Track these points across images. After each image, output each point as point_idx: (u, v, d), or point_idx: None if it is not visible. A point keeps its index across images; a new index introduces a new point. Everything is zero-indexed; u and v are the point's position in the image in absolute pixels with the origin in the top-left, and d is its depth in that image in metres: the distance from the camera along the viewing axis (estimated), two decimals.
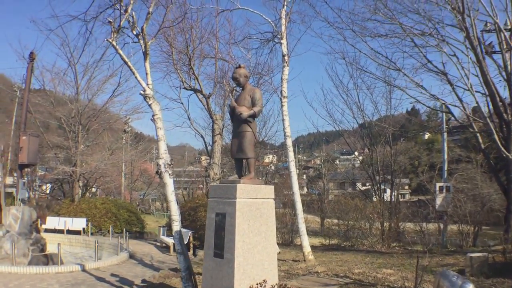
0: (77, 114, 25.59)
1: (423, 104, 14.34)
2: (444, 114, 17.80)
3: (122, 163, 38.16)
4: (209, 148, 12.68)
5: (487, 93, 12.99)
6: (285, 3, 13.03)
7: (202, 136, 12.98)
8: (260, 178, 16.56)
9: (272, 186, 6.73)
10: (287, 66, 12.74)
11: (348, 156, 61.80)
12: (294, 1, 13.29)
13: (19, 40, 73.32)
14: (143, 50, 8.01)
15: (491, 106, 12.58)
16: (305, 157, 76.32)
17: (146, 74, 8.13)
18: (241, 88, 6.99)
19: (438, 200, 18.17)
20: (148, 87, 8.14)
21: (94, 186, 31.85)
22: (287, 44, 12.95)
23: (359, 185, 36.91)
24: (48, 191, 34.43)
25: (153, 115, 8.17)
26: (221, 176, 11.83)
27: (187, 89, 11.27)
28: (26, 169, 20.86)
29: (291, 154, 12.42)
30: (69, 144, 25.39)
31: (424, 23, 13.36)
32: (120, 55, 7.98)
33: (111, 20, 7.81)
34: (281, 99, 12.66)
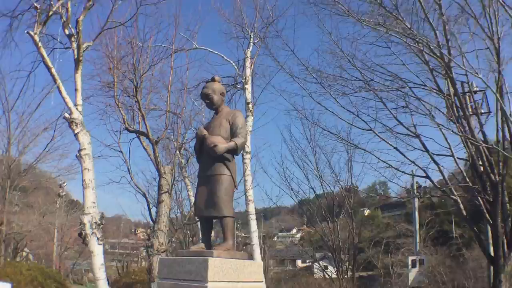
0: (7, 167, 22.82)
1: (397, 169, 12.79)
2: (414, 180, 16.67)
3: (55, 228, 35.63)
4: (153, 210, 10.24)
5: (470, 154, 11.79)
6: (251, 43, 11.39)
7: (144, 195, 10.29)
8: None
9: (261, 263, 4.54)
10: (252, 115, 10.90)
11: (287, 233, 60.29)
12: (260, 44, 11.58)
13: None
14: (76, 56, 5.72)
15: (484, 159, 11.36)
16: (242, 234, 73.68)
17: (76, 90, 5.83)
18: (213, 112, 4.94)
19: (411, 275, 16.41)
20: (77, 108, 5.74)
21: (25, 250, 29.82)
22: (252, 89, 11.20)
23: (299, 262, 35.73)
24: None
25: (79, 150, 5.72)
26: (168, 248, 9.18)
27: (130, 131, 8.83)
28: None
29: (253, 223, 10.34)
30: None
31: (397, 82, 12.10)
32: (42, 57, 5.61)
33: (37, 6, 5.51)
34: (243, 155, 10.65)
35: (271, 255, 46.73)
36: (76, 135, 5.82)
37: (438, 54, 10.46)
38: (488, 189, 11.22)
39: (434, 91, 11.60)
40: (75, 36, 5.79)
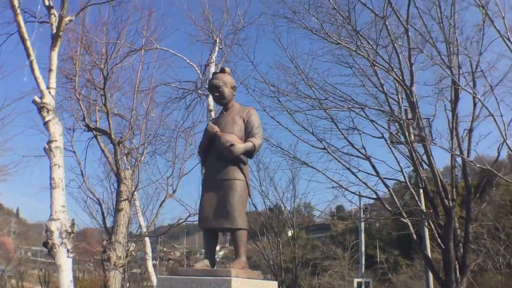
0: None
1: (346, 189, 12.75)
2: (361, 202, 16.83)
3: None
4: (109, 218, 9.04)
5: (421, 178, 12.07)
6: (216, 48, 10.82)
7: (99, 202, 9.11)
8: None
9: (276, 283, 4.05)
10: None
11: None
12: (227, 50, 11.03)
13: None
14: (55, 30, 4.77)
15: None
16: (165, 249, 71.30)
17: (50, 70, 4.85)
18: (221, 108, 4.38)
19: None
20: (49, 92, 4.76)
21: None
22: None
23: None
24: None
25: (49, 142, 4.73)
26: (127, 262, 8.09)
27: (91, 129, 7.63)
28: None
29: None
30: None
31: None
32: (19, 25, 4.65)
33: None
34: (202, 167, 9.90)
35: None
36: (46, 123, 4.85)
37: (401, 78, 10.55)
38: (440, 213, 11.48)
39: (389, 114, 11.83)
40: (55, 10, 4.83)
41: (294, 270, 18.12)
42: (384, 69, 10.54)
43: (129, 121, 9.18)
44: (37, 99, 4.86)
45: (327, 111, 11.85)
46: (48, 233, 4.64)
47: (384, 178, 12.53)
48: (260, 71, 10.93)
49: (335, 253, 31.15)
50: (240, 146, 3.87)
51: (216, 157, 3.96)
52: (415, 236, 13.03)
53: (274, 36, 11.52)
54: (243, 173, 3.96)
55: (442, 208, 11.70)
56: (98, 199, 9.11)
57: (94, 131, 7.70)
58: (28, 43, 4.84)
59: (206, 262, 3.88)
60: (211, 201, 3.88)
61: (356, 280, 18.31)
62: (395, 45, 10.22)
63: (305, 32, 11.21)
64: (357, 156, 12.28)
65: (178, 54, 10.61)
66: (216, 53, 10.83)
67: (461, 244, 10.75)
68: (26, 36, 4.86)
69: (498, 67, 8.64)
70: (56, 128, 4.92)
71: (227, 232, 3.98)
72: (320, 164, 11.74)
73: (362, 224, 19.84)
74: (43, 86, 4.92)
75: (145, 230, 8.20)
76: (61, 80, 8.22)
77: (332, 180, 11.60)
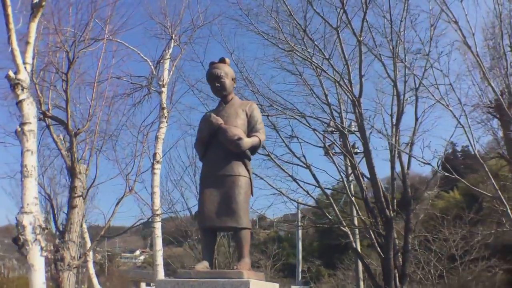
0: None
1: (288, 197, 12.82)
2: (299, 210, 17.03)
3: None
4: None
5: (361, 188, 12.47)
6: (172, 44, 10.42)
7: (49, 197, 8.15)
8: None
9: (277, 285, 3.99)
10: (166, 122, 9.81)
11: (130, 254, 57.25)
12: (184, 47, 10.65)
13: None
14: None
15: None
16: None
17: (27, 43, 4.25)
18: (219, 99, 4.07)
19: None
20: (25, 68, 4.16)
21: None
22: (171, 94, 10.20)
23: (143, 284, 33.91)
24: None
25: (21, 124, 4.13)
26: (81, 263, 7.28)
27: (47, 116, 6.72)
28: None
29: (159, 241, 9.16)
30: None
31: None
32: None
33: None
34: (152, 164, 9.42)
35: (116, 276, 43.56)
36: (19, 103, 4.21)
37: (350, 89, 10.78)
38: (380, 223, 11.86)
39: (326, 124, 12.17)
40: None
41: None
42: (335, 79, 10.78)
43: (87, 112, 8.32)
44: (11, 74, 4.21)
45: (269, 118, 11.87)
46: (19, 228, 3.99)
47: (325, 187, 12.85)
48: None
49: (257, 262, 31.33)
50: (248, 141, 3.68)
51: (218, 151, 3.70)
52: (354, 244, 13.42)
53: (221, 38, 11.47)
54: (247, 169, 3.74)
55: (381, 219, 12.10)
56: (48, 194, 8.18)
57: (47, 120, 6.90)
58: (9, 10, 4.18)
59: (206, 263, 3.60)
60: (213, 199, 3.61)
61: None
62: (346, 56, 10.56)
63: (257, 37, 11.25)
64: (298, 165, 12.36)
65: (132, 47, 9.99)
66: (171, 49, 10.39)
67: (399, 254, 11.18)
68: (8, 1, 4.19)
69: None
70: (31, 109, 4.30)
71: (230, 231, 3.71)
72: (260, 171, 11.64)
73: (300, 232, 20.19)
74: (19, 60, 4.28)
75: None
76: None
77: (273, 187, 11.59)
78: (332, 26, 10.25)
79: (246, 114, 3.87)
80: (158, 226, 9.21)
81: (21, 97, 4.18)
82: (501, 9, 8.94)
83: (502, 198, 8.79)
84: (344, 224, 12.35)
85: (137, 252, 58.26)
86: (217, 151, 3.70)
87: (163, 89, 9.76)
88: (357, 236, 15.07)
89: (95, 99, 7.10)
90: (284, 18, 10.71)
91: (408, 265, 11.41)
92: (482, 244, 13.98)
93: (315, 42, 10.78)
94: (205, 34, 12.29)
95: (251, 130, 3.83)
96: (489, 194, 10.44)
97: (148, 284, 35.24)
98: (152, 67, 10.14)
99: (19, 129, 4.16)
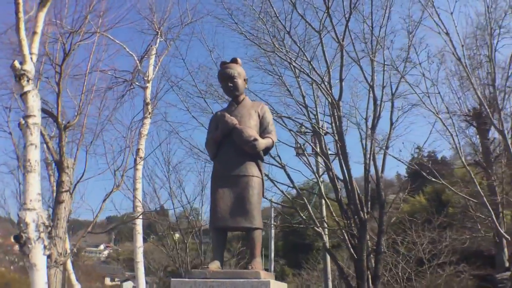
0: None
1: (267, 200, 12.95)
2: (272, 209, 17.13)
3: None
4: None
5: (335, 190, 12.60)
6: (158, 39, 10.32)
7: None
8: None
9: (285, 285, 4.11)
10: (149, 117, 9.70)
11: (94, 248, 56.07)
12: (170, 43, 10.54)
13: None
14: None
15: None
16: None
17: (34, 33, 4.08)
18: (230, 99, 4.09)
19: None
20: (31, 58, 4.02)
21: None
22: (156, 90, 10.10)
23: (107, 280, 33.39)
24: None
25: (25, 117, 3.99)
26: (68, 258, 7.01)
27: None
28: None
29: (139, 237, 9.05)
30: None
31: None
32: None
33: None
34: (135, 160, 9.30)
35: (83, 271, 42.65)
36: (23, 95, 4.03)
37: (330, 92, 10.90)
38: (353, 225, 12.05)
39: (309, 124, 12.32)
40: None
41: (184, 274, 17.67)
42: (315, 82, 10.90)
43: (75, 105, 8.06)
44: (17, 64, 4.03)
45: None
46: (22, 225, 3.80)
47: (300, 188, 13.00)
48: (192, 71, 10.62)
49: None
50: (262, 142, 3.73)
51: (231, 151, 3.72)
52: (327, 245, 13.59)
53: (201, 36, 11.43)
54: (260, 170, 3.78)
55: (355, 220, 12.29)
56: None
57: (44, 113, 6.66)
58: None
59: (218, 263, 3.61)
60: (226, 199, 3.62)
61: None
62: (328, 59, 10.71)
63: (239, 37, 11.30)
64: (273, 164, 12.46)
65: (118, 42, 9.83)
66: (157, 44, 10.28)
67: (372, 255, 11.39)
68: None
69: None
70: (36, 102, 4.13)
71: (243, 231, 3.75)
72: None
73: (273, 231, 20.27)
74: (26, 50, 4.12)
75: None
76: (6, 51, 6.99)
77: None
78: (315, 30, 10.37)
79: (258, 115, 3.91)
80: (139, 222, 9.07)
81: (26, 89, 4.03)
82: (480, 20, 9.36)
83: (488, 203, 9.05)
84: (318, 225, 12.45)
85: (101, 247, 57.23)
86: (230, 151, 3.73)
87: (147, 84, 9.65)
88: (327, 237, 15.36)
89: (85, 92, 6.94)
90: (268, 18, 10.81)
91: (380, 266, 11.54)
92: (450, 249, 14.47)
93: (298, 45, 10.87)
94: (188, 32, 12.16)
95: (263, 131, 3.87)
96: (475, 201, 10.69)
97: (112, 280, 34.60)
98: (137, 61, 10.00)
99: (23, 122, 4.00)
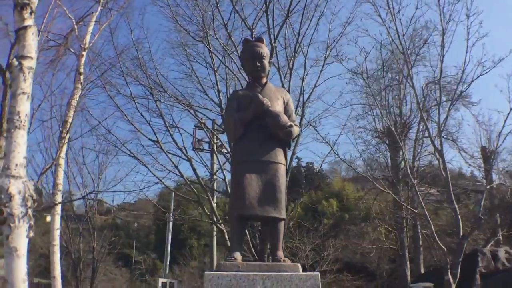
0: None
1: (163, 183, 12.34)
2: (173, 200, 16.34)
3: None
4: None
5: None
6: (99, 7, 9.47)
7: None
8: None
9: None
10: (80, 88, 8.80)
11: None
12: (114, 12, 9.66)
13: None
14: None
15: None
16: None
17: None
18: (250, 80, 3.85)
19: None
20: None
21: None
22: (89, 60, 9.19)
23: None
24: None
25: (19, 57, 3.12)
26: None
27: None
28: None
29: (57, 218, 8.08)
30: None
31: None
32: None
33: None
34: (61, 133, 8.33)
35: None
36: (21, 29, 3.10)
37: None
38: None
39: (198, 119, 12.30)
40: None
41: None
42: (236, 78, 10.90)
43: None
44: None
45: (157, 103, 11.67)
46: (3, 197, 2.78)
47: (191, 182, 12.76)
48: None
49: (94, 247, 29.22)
50: (296, 130, 3.54)
51: (259, 135, 3.42)
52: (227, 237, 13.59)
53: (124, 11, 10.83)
54: (285, 158, 3.59)
55: None
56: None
57: None
58: None
59: (240, 255, 3.28)
60: (255, 186, 3.30)
61: (160, 280, 17.52)
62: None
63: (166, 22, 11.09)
64: (179, 156, 12.08)
65: (58, 2, 8.63)
66: (98, 12, 9.37)
67: None
68: None
69: None
70: (34, 41, 3.18)
71: (270, 221, 3.43)
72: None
73: (171, 224, 19.33)
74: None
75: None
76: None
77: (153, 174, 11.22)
78: (248, 27, 10.35)
79: (284, 101, 3.69)
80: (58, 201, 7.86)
81: (26, 23, 3.07)
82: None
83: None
84: (215, 220, 12.34)
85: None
86: (259, 135, 3.42)
87: (83, 52, 8.62)
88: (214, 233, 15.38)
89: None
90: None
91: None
92: (332, 257, 15.52)
93: (232, 38, 10.91)
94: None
95: (287, 118, 3.63)
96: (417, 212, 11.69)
97: None
98: (75, 26, 8.89)
99: (16, 63, 2.99)
